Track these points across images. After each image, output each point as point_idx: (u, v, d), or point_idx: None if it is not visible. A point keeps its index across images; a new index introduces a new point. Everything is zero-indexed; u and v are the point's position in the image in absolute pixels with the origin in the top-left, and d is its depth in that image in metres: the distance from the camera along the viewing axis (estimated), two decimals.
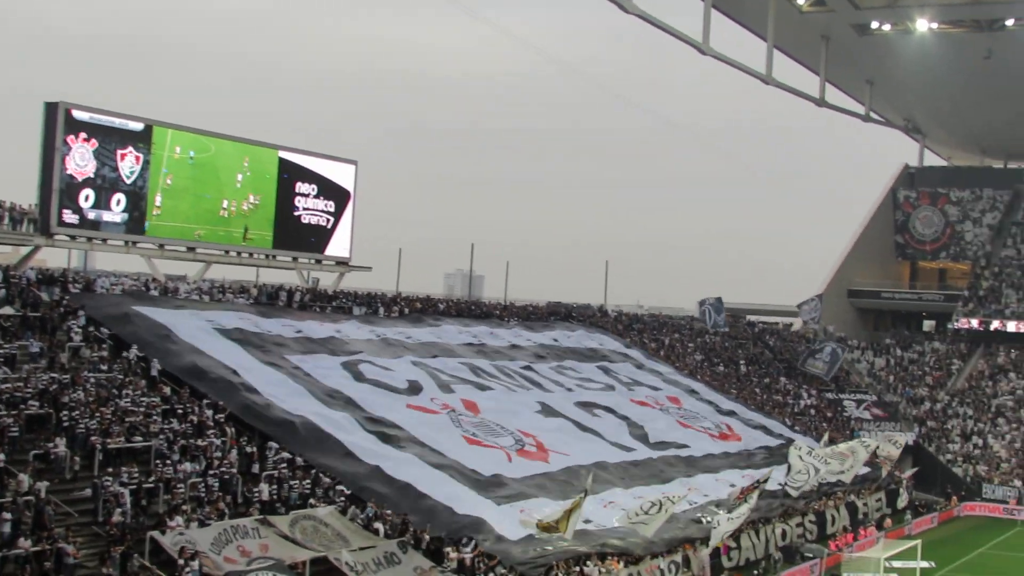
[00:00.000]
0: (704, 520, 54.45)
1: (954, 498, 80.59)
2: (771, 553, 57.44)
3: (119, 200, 62.88)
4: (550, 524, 45.09)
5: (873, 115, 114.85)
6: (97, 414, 43.03)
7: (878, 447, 73.86)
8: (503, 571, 43.48)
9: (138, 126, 63.55)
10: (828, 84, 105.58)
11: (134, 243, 64.76)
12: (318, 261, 76.33)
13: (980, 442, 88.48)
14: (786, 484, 62.86)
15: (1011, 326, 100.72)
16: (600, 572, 46.35)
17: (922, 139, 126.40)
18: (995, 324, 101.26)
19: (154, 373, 49.42)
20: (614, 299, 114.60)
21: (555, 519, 44.82)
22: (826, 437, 73.62)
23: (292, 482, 45.15)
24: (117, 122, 62.74)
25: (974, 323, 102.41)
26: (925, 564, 58.44)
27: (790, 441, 76.10)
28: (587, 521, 49.29)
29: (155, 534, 37.43)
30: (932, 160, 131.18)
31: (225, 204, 68.89)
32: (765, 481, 57.82)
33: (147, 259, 66.37)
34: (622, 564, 48.00)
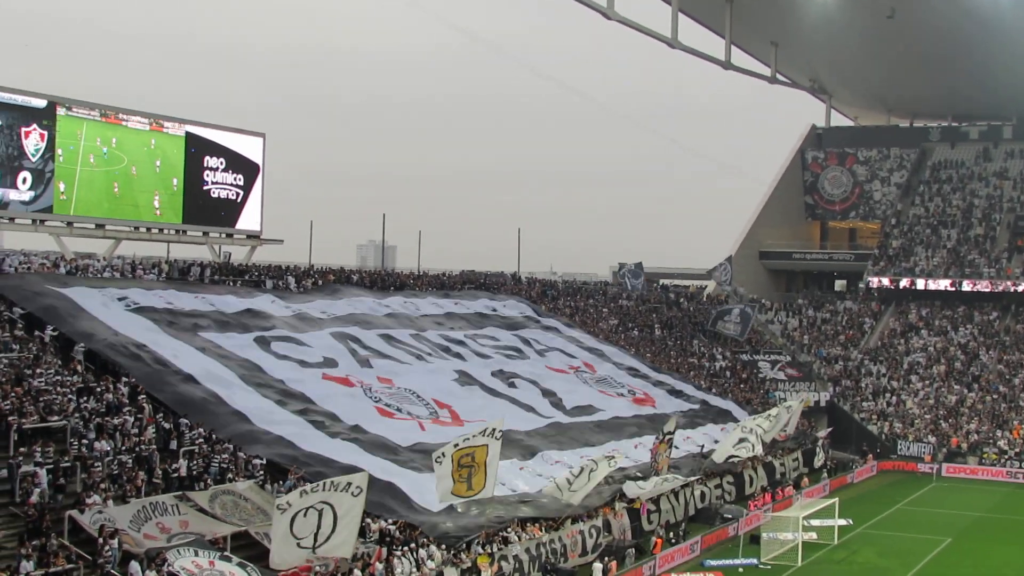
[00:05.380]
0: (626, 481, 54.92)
1: (869, 456, 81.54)
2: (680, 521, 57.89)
3: (25, 178, 61.85)
4: (469, 490, 45.05)
5: (779, 76, 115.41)
6: (12, 394, 42.50)
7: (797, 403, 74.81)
8: (425, 541, 43.41)
9: (41, 103, 62.45)
10: (734, 47, 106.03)
11: (42, 221, 63.75)
12: (229, 235, 75.47)
13: (894, 399, 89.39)
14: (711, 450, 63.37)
15: (921, 283, 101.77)
16: (522, 539, 46.48)
17: (828, 99, 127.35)
18: (905, 282, 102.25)
19: (78, 356, 48.66)
20: (528, 266, 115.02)
21: (467, 463, 44.48)
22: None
23: (211, 457, 44.84)
24: (20, 99, 61.56)
25: (885, 281, 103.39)
26: (843, 521, 59.20)
27: (704, 404, 76.78)
28: (502, 484, 49.55)
29: (73, 513, 37.13)
30: (839, 120, 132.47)
31: (130, 178, 67.82)
32: (672, 433, 58.47)
33: (56, 237, 65.42)
34: (543, 530, 48.16)
